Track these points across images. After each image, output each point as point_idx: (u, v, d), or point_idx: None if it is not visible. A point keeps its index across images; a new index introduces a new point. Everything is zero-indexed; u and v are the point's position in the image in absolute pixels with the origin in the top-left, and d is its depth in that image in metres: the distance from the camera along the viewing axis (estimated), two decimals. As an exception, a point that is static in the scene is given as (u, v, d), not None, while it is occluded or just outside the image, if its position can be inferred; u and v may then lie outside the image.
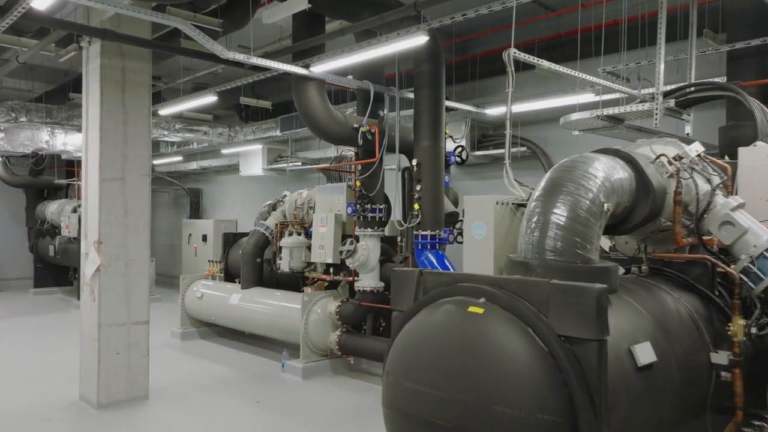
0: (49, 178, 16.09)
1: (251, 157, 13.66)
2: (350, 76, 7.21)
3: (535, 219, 3.08)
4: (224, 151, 13.98)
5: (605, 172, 3.25)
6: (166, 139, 13.13)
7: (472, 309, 2.65)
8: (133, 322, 6.80)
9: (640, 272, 3.76)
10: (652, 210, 3.48)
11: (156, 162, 16.58)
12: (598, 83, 5.26)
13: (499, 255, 3.99)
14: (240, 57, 5.73)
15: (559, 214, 3.02)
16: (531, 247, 3.05)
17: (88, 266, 6.62)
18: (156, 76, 12.67)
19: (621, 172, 3.38)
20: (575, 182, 3.14)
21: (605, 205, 3.11)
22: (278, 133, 12.09)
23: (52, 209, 15.43)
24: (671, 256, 3.78)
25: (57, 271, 16.11)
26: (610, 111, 5.17)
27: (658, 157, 3.70)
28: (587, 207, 3.06)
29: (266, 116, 12.87)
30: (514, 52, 4.29)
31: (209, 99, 8.21)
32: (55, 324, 11.73)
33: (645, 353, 2.81)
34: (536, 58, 4.60)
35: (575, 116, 5.35)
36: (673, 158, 3.72)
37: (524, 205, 4.09)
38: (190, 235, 15.97)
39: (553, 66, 4.70)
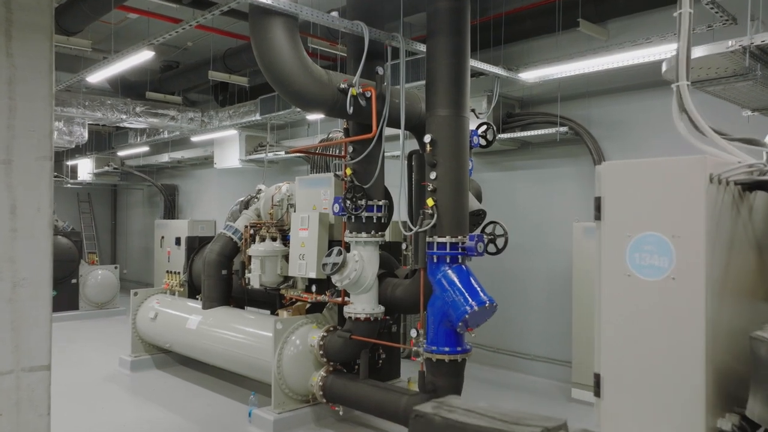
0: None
1: (227, 146, 11.62)
2: (335, 12, 5.10)
3: None
4: (194, 139, 11.88)
5: None
6: (126, 124, 11.06)
7: None
8: (25, 368, 4.70)
9: None
10: None
11: (123, 154, 14.58)
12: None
13: (718, 328, 1.46)
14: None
15: None
16: None
17: (-45, 289, 4.60)
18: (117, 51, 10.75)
19: None
20: None
21: None
22: (258, 117, 10.05)
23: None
24: None
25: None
26: (771, 37, 3.03)
27: None
28: None
29: (247, 99, 10.85)
30: None
31: (145, 55, 6.15)
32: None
33: None
34: None
35: (700, 51, 3.21)
36: None
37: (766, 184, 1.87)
38: (162, 237, 14.09)
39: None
